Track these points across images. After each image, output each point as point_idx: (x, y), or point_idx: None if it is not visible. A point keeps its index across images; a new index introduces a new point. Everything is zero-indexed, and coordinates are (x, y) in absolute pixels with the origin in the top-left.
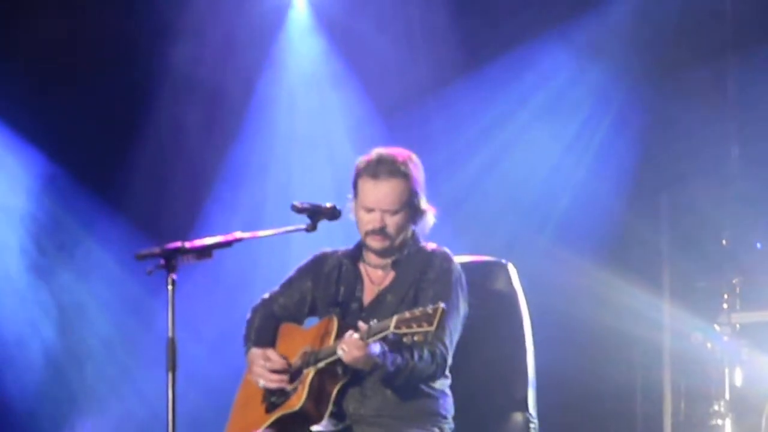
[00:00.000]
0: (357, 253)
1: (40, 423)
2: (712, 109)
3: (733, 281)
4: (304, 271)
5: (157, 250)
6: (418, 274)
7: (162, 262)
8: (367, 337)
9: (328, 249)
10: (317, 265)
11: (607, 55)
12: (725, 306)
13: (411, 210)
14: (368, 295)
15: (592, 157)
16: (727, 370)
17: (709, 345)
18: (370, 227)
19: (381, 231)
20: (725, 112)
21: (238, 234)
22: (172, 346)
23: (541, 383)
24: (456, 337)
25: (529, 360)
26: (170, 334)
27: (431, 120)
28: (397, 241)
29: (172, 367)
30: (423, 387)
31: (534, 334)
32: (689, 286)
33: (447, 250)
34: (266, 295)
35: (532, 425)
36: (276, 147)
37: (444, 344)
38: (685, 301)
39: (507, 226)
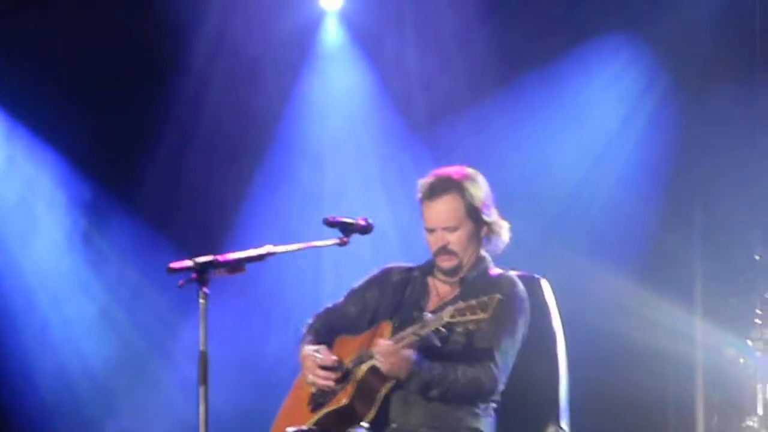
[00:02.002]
0: (428, 267)
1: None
2: (744, 123)
3: (766, 296)
4: (371, 281)
5: (189, 263)
6: (482, 295)
7: (194, 275)
8: (422, 329)
9: (397, 263)
10: (385, 275)
11: (639, 68)
12: (758, 321)
13: (474, 225)
14: (431, 306)
15: (624, 170)
16: (759, 386)
17: (741, 360)
18: (434, 248)
19: (445, 250)
20: (757, 125)
21: (270, 248)
22: (203, 359)
23: (573, 397)
24: (511, 361)
25: (561, 374)
26: (202, 347)
27: (461, 134)
28: (465, 259)
29: (204, 380)
30: (466, 406)
31: (566, 349)
32: (722, 301)
33: (513, 275)
34: (329, 305)
35: None
36: (308, 161)
37: (496, 363)
38: (717, 315)
39: (539, 240)
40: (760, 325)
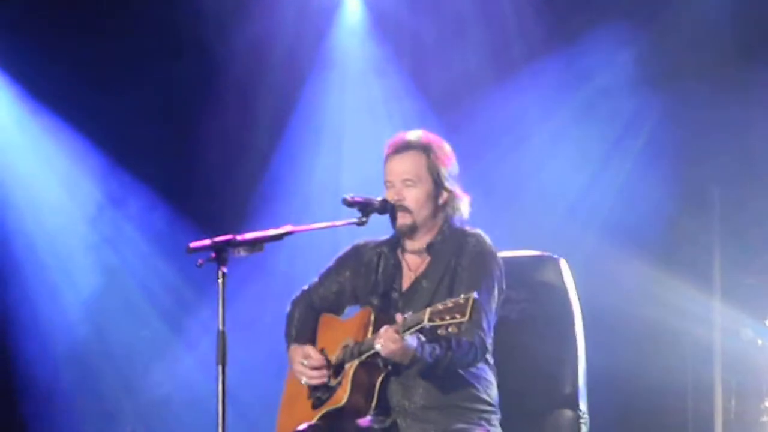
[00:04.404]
0: (395, 240)
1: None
2: (763, 105)
3: None
4: (342, 261)
5: (208, 242)
6: (453, 259)
7: (213, 255)
8: (403, 330)
9: (367, 238)
10: (356, 254)
11: (658, 50)
12: None
13: (433, 187)
14: (406, 282)
15: (642, 151)
16: None
17: (759, 342)
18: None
19: (400, 205)
20: None
21: (290, 227)
22: (222, 339)
23: (591, 379)
24: (494, 319)
25: (579, 355)
26: (220, 327)
27: (480, 115)
28: (420, 218)
29: (223, 360)
30: (465, 375)
31: (584, 331)
32: (740, 283)
33: (481, 231)
34: (305, 287)
35: (582, 421)
36: (326, 141)
37: (482, 329)
38: (735, 297)
39: (558, 222)
40: None
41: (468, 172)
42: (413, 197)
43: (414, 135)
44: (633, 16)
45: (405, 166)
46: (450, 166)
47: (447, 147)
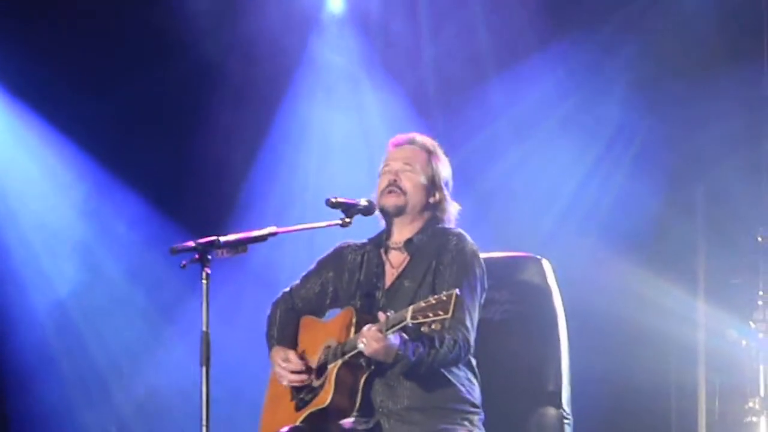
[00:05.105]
0: (379, 239)
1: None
2: (748, 105)
3: None
4: (325, 263)
5: (191, 244)
6: (434, 257)
7: (196, 256)
8: (386, 329)
9: (350, 240)
10: (339, 256)
11: (642, 52)
12: (760, 303)
13: (428, 182)
14: (389, 280)
15: (627, 153)
16: (762, 367)
17: (743, 342)
18: (385, 183)
19: (395, 184)
20: (761, 107)
21: (273, 228)
22: (206, 340)
23: (575, 380)
24: (477, 316)
25: (563, 356)
26: (204, 328)
27: (468, 116)
28: (411, 203)
29: (206, 361)
30: (448, 376)
31: (568, 331)
32: (724, 283)
33: (462, 230)
34: (286, 289)
35: (566, 421)
36: (310, 141)
37: (465, 327)
38: (719, 298)
39: (542, 223)
40: (763, 306)
41: (458, 173)
42: (409, 180)
43: (420, 136)
44: (621, 20)
45: (406, 153)
46: (446, 173)
47: (444, 155)
